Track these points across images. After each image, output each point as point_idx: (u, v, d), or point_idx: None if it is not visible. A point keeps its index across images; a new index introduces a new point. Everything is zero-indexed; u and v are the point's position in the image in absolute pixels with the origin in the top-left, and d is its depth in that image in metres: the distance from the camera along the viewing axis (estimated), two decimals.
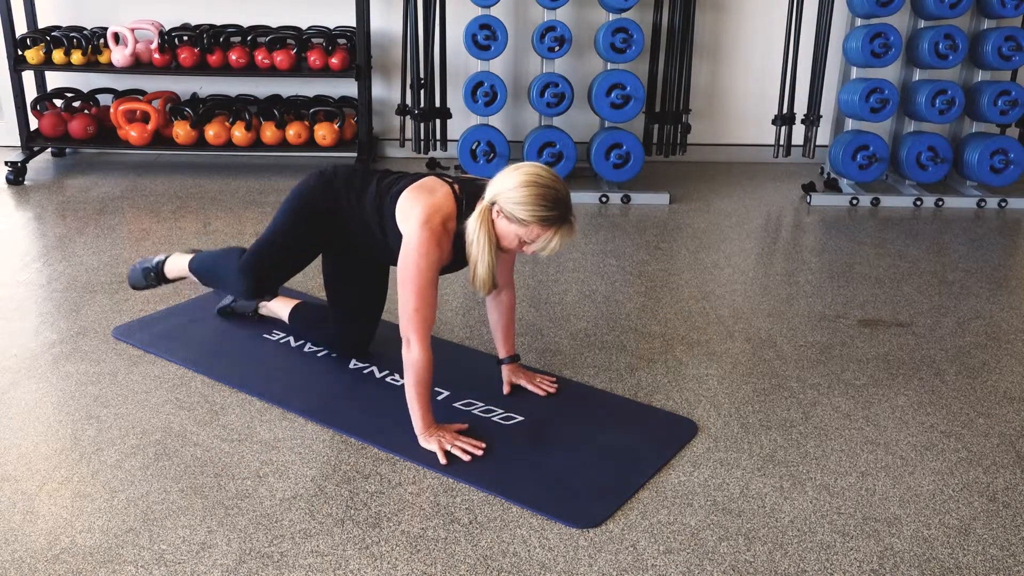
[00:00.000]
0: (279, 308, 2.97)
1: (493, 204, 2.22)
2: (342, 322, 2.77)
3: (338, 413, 2.51)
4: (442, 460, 2.26)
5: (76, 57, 4.61)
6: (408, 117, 4.78)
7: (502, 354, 2.64)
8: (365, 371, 2.75)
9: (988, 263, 3.90)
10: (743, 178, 5.10)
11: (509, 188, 2.17)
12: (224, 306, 3.06)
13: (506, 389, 2.63)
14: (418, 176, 2.47)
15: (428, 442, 2.31)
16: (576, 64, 5.03)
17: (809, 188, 4.75)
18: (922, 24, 4.69)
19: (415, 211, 2.28)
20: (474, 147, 4.54)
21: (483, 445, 2.32)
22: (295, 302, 2.97)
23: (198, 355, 2.81)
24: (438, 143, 4.83)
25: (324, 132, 4.74)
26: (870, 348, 3.03)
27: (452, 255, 2.34)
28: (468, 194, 2.33)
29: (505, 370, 2.65)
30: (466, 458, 2.28)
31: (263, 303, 3.00)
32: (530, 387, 2.63)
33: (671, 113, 4.84)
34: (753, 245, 4.09)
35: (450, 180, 2.40)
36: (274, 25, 4.86)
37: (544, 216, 2.15)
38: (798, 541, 2.05)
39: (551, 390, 2.64)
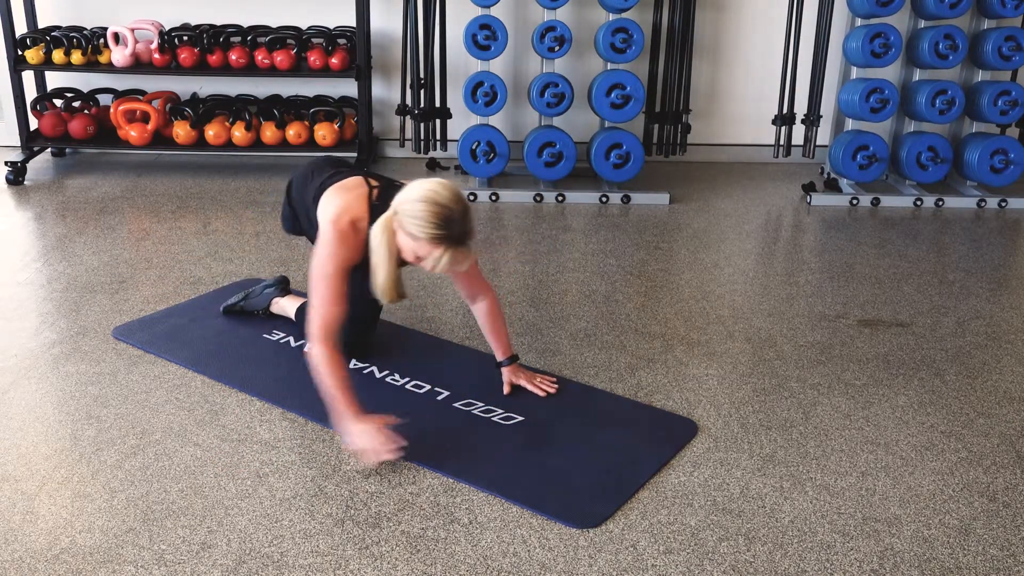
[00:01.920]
0: (288, 306, 2.99)
1: (396, 214, 2.22)
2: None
3: None
4: (372, 458, 2.21)
5: (76, 57, 4.61)
6: (408, 117, 4.78)
7: (499, 357, 2.65)
8: (365, 371, 2.75)
9: (988, 263, 3.90)
10: (743, 178, 5.10)
11: (408, 201, 2.17)
12: (231, 304, 3.06)
13: (506, 390, 2.63)
14: (350, 173, 2.50)
15: (359, 436, 2.21)
16: (576, 64, 5.03)
17: (809, 188, 4.75)
18: (922, 24, 4.69)
19: (327, 210, 2.36)
20: (474, 147, 4.54)
21: (404, 443, 2.23)
22: (302, 300, 2.98)
23: (198, 355, 2.81)
24: (438, 143, 4.83)
25: (324, 132, 4.74)
26: (870, 348, 3.03)
27: (363, 256, 2.34)
28: (385, 199, 2.32)
29: (504, 372, 2.65)
30: (395, 454, 2.21)
31: (276, 300, 3.01)
32: (530, 387, 2.63)
33: (671, 113, 4.84)
34: (753, 245, 4.09)
35: (375, 183, 2.43)
36: (274, 25, 4.86)
37: (433, 234, 2.14)
38: (798, 541, 2.05)
39: (551, 390, 2.64)
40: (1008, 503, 2.20)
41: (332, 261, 2.29)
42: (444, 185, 2.20)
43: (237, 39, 4.70)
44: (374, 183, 2.44)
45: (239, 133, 4.72)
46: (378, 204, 2.35)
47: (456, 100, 4.81)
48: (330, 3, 4.96)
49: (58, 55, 4.60)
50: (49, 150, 5.11)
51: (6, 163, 4.59)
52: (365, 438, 2.21)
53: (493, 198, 4.56)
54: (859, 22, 4.65)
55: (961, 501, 2.21)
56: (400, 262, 2.28)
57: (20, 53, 4.63)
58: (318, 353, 2.24)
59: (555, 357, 2.89)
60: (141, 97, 4.91)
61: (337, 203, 2.36)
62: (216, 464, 2.27)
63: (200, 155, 5.16)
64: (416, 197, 2.16)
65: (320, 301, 2.27)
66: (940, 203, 4.67)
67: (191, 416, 2.48)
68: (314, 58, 4.66)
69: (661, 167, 5.16)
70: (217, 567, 1.91)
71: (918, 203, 4.67)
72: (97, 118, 4.85)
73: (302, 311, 2.93)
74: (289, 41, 4.71)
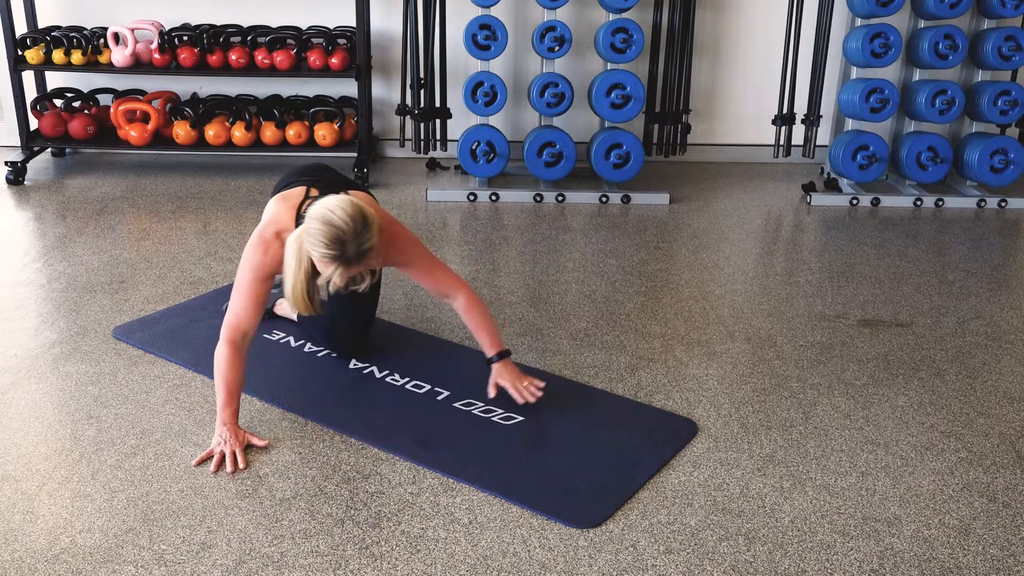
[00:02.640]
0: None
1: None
2: (333, 321, 2.77)
3: (338, 413, 2.51)
4: (211, 465, 2.24)
5: (76, 57, 4.61)
6: (408, 117, 4.78)
7: (488, 353, 2.58)
8: (365, 371, 2.75)
9: (988, 263, 3.90)
10: (743, 178, 5.10)
11: (309, 218, 2.21)
12: None
13: (490, 392, 2.56)
14: (301, 182, 2.52)
15: (216, 440, 2.29)
16: (576, 64, 5.02)
17: (809, 188, 4.74)
18: (922, 24, 4.69)
19: (263, 218, 2.44)
20: (474, 147, 4.54)
21: (243, 466, 2.25)
22: None
23: (198, 355, 2.81)
24: (438, 143, 4.83)
25: (324, 132, 4.74)
26: (870, 348, 3.03)
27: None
28: None
29: (493, 369, 2.59)
30: (229, 468, 2.24)
31: (280, 301, 3.02)
32: (512, 391, 2.53)
33: (671, 113, 4.84)
34: (753, 245, 4.09)
35: (315, 193, 2.42)
36: (274, 25, 4.86)
37: (323, 253, 2.18)
38: (798, 541, 2.05)
39: (531, 399, 2.52)
40: (1008, 503, 2.20)
41: (251, 267, 2.35)
42: (344, 205, 2.19)
43: (237, 39, 4.70)
44: (314, 193, 2.44)
45: (239, 133, 4.72)
46: (303, 216, 2.36)
47: (456, 100, 4.81)
48: (330, 3, 4.95)
49: (58, 55, 4.60)
50: (49, 150, 5.11)
51: (6, 163, 4.59)
52: (219, 442, 2.28)
53: (493, 198, 4.56)
54: (859, 22, 4.65)
55: (961, 501, 2.21)
56: (316, 274, 2.29)
57: (20, 53, 4.63)
58: (221, 352, 2.31)
59: (555, 357, 2.89)
60: (141, 97, 4.91)
61: (270, 213, 2.44)
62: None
63: (200, 155, 5.16)
64: (314, 215, 2.20)
65: (236, 305, 2.35)
66: (940, 203, 4.67)
67: (191, 416, 2.48)
68: (314, 58, 4.66)
69: (661, 167, 5.16)
70: (217, 567, 1.91)
71: (918, 203, 4.67)
72: (97, 118, 4.85)
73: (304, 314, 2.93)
74: (289, 41, 4.71)
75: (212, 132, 4.71)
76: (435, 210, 4.41)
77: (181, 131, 4.70)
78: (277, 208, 2.44)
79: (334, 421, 2.47)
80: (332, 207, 2.18)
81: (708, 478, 2.27)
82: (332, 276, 2.21)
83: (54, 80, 5.02)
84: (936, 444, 2.46)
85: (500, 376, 2.57)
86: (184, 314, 3.10)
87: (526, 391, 2.53)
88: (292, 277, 2.27)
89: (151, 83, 5.07)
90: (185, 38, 4.65)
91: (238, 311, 2.34)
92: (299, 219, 2.37)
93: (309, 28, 4.80)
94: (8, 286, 3.32)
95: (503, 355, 2.58)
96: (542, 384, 2.58)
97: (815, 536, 2.06)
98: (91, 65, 4.67)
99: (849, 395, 2.71)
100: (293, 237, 2.28)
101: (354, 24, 4.66)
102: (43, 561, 1.92)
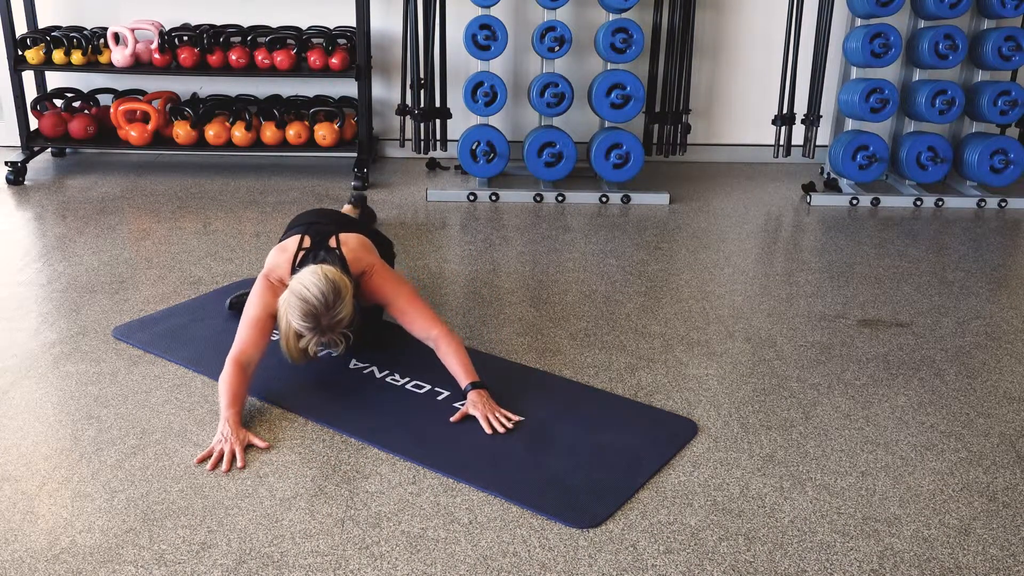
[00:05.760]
0: None
1: None
2: None
3: (338, 413, 2.51)
4: (208, 463, 2.26)
5: (76, 57, 4.61)
6: (408, 117, 4.78)
7: (462, 384, 2.54)
8: (365, 371, 2.75)
9: (988, 263, 3.90)
10: (743, 178, 5.10)
11: (290, 290, 2.43)
12: (237, 295, 3.06)
13: (454, 417, 2.47)
14: (295, 232, 2.72)
15: (217, 438, 2.33)
16: (576, 64, 5.03)
17: (809, 188, 4.75)
18: (922, 24, 4.69)
19: (266, 264, 2.68)
20: (474, 147, 4.54)
21: (242, 464, 2.26)
22: None
23: (198, 355, 2.81)
24: (438, 143, 4.83)
25: (324, 132, 4.74)
26: (870, 348, 3.03)
27: None
28: (303, 266, 2.54)
29: (467, 399, 2.51)
30: (225, 467, 2.24)
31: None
32: (481, 421, 2.44)
33: (671, 113, 4.84)
34: (753, 245, 4.09)
35: (307, 245, 2.63)
36: (274, 25, 4.86)
37: (299, 325, 2.42)
38: (798, 541, 2.05)
39: (500, 430, 2.41)
40: (1008, 503, 2.20)
41: (257, 303, 2.56)
42: (319, 281, 2.39)
43: (237, 39, 4.70)
44: (306, 244, 2.64)
45: (239, 133, 4.72)
46: (297, 270, 2.56)
47: (456, 100, 4.81)
48: (330, 3, 4.96)
49: (58, 55, 4.60)
50: (49, 150, 5.12)
51: (6, 163, 4.60)
52: (220, 440, 2.32)
53: (493, 198, 4.56)
54: (859, 22, 4.65)
55: (961, 501, 2.21)
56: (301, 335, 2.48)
57: (20, 53, 4.63)
58: (226, 370, 2.46)
59: (555, 357, 2.89)
60: (141, 97, 4.91)
61: (271, 261, 2.67)
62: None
63: (200, 155, 5.16)
64: (292, 287, 2.43)
65: (242, 334, 2.52)
66: (940, 203, 4.67)
67: (191, 416, 2.48)
68: (314, 58, 4.66)
69: (661, 167, 5.16)
70: (217, 567, 1.91)
71: (918, 203, 4.67)
72: (97, 118, 4.85)
73: None
74: (289, 41, 4.71)
75: (212, 132, 4.71)
76: (435, 210, 4.41)
77: (181, 131, 4.70)
78: (277, 258, 2.66)
79: (334, 421, 2.47)
80: (307, 283, 2.40)
81: (708, 478, 2.27)
82: (307, 342, 2.45)
83: (54, 80, 5.02)
84: (936, 444, 2.46)
85: (473, 406, 2.47)
86: (184, 314, 3.10)
87: (496, 422, 2.43)
88: (283, 334, 2.48)
89: (151, 83, 5.08)
90: (185, 38, 4.65)
91: (244, 339, 2.51)
92: (294, 271, 2.55)
93: (309, 28, 4.80)
94: (8, 286, 3.32)
95: (476, 385, 2.52)
96: (516, 418, 2.48)
97: (815, 536, 2.07)
98: (91, 65, 4.68)
99: (849, 395, 2.71)
100: (281, 301, 2.46)
101: (354, 24, 4.66)
102: (43, 561, 1.92)
